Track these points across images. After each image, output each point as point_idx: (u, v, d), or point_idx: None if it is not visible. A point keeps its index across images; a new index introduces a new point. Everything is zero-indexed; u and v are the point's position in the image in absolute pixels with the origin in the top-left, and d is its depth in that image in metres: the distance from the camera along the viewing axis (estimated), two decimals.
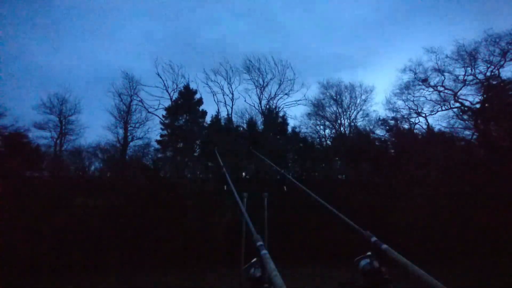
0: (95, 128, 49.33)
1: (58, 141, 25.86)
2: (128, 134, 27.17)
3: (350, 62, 53.81)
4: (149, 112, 28.30)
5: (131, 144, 27.23)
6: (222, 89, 29.57)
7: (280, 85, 29.81)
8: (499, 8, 42.97)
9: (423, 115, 26.71)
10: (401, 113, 27.36)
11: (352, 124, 29.74)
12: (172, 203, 20.05)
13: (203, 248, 18.24)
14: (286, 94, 29.77)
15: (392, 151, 27.24)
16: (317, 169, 26.76)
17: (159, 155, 26.54)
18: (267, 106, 29.21)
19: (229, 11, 58.91)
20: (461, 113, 25.42)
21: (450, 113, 25.62)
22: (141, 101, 28.27)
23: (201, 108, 27.92)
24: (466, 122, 25.14)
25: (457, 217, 18.48)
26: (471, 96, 25.43)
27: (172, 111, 27.41)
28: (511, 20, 51.68)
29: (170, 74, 29.36)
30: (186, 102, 27.68)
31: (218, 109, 29.17)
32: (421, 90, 26.71)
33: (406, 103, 27.11)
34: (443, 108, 25.85)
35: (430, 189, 19.46)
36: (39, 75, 44.18)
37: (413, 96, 26.85)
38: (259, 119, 28.41)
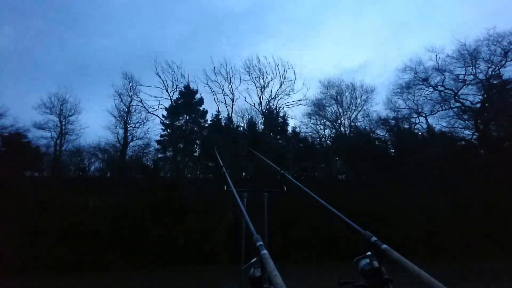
0: (95, 128, 49.23)
1: (58, 141, 25.79)
2: (128, 134, 27.11)
3: (350, 61, 53.89)
4: (149, 112, 28.24)
5: (131, 144, 27.17)
6: (223, 89, 29.54)
7: (280, 85, 29.78)
8: (502, 7, 42.99)
9: (423, 114, 26.70)
10: (402, 112, 27.34)
11: (353, 124, 29.69)
12: (172, 203, 20.07)
13: (203, 248, 18.26)
14: (286, 94, 29.74)
15: (392, 151, 27.25)
16: (317, 169, 26.79)
17: (159, 155, 26.54)
18: (268, 106, 29.19)
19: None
20: (461, 113, 25.40)
21: (450, 113, 25.59)
22: (141, 101, 28.22)
23: (201, 108, 27.95)
24: (466, 122, 25.14)
25: (457, 217, 18.50)
26: (471, 96, 25.43)
27: (172, 111, 27.40)
28: None
29: (170, 74, 29.21)
30: (186, 102, 27.66)
31: (219, 109, 29.13)
32: (422, 90, 26.70)
33: (407, 103, 27.10)
34: (443, 108, 25.83)
35: (430, 189, 19.47)
36: (39, 75, 44.19)
37: (414, 96, 26.83)
38: (259, 119, 28.39)
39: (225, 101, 29.12)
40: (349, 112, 29.55)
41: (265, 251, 1.27)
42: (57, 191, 19.51)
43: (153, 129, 27.57)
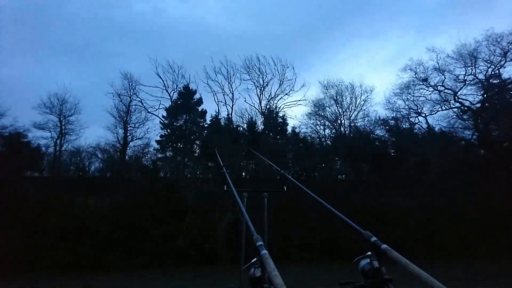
0: (95, 128, 49.14)
1: (58, 141, 25.79)
2: (128, 134, 27.11)
3: (350, 61, 53.84)
4: (149, 112, 28.24)
5: (131, 144, 27.18)
6: (223, 89, 29.52)
7: (280, 85, 29.74)
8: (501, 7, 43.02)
9: (423, 115, 26.73)
10: (401, 113, 27.35)
11: (352, 124, 29.71)
12: (172, 203, 20.08)
13: (203, 248, 18.27)
14: (286, 94, 29.71)
15: (392, 151, 27.25)
16: (317, 169, 26.80)
17: (159, 155, 26.56)
18: (267, 106, 29.18)
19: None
20: (461, 113, 25.43)
21: (450, 113, 25.64)
22: (141, 101, 28.21)
23: (200, 108, 27.96)
24: (466, 122, 25.16)
25: (457, 217, 18.50)
26: (471, 96, 25.46)
27: (172, 112, 27.42)
28: None
29: (170, 74, 29.19)
30: (185, 102, 27.68)
31: (218, 108, 29.12)
32: (421, 90, 26.70)
33: (406, 103, 27.10)
34: (443, 108, 25.86)
35: (430, 189, 19.48)
36: (39, 74, 44.14)
37: (413, 96, 26.84)
38: (259, 119, 28.38)
39: (225, 101, 29.14)
40: (348, 112, 29.58)
41: (265, 251, 1.27)
42: (57, 191, 19.52)
43: (152, 129, 27.58)
